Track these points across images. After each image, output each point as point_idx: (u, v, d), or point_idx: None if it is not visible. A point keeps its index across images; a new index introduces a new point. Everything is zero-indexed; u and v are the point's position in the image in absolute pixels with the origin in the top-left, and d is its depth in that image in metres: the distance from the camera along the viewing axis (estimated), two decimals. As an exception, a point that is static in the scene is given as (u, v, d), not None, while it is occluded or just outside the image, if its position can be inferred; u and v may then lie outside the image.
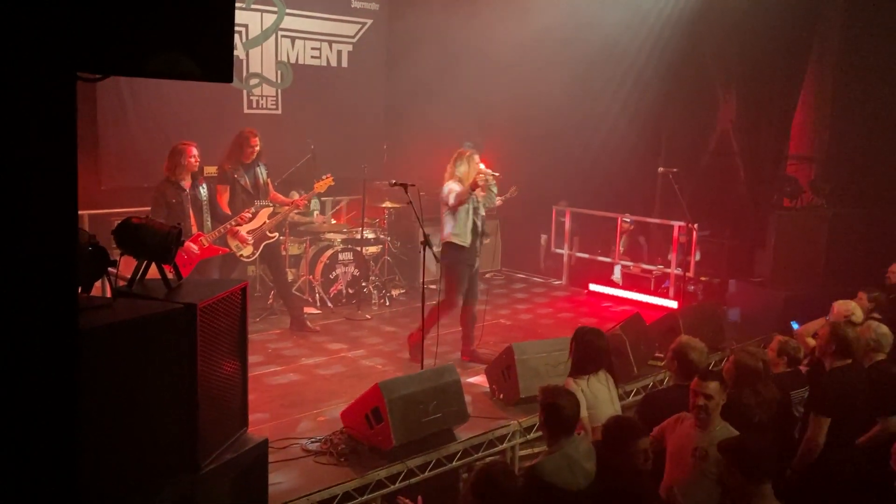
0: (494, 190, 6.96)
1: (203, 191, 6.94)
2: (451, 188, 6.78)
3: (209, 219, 6.99)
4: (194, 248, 6.78)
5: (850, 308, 5.91)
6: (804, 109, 9.89)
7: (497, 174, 6.85)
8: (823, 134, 10.01)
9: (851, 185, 9.44)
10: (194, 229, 6.85)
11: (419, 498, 3.89)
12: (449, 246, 6.88)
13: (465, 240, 6.84)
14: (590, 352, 4.89)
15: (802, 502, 4.68)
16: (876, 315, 6.20)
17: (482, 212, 6.97)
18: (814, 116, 10.03)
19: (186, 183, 6.80)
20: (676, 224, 9.23)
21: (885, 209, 9.36)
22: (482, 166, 6.81)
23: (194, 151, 6.76)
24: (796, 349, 5.36)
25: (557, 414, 4.03)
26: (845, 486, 4.60)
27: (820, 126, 10.01)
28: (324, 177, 7.98)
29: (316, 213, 9.25)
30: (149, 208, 6.68)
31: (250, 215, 7.26)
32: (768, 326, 7.91)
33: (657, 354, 6.77)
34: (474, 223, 6.89)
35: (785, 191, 9.31)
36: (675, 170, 8.45)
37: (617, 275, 10.19)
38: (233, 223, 7.11)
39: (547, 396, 4.14)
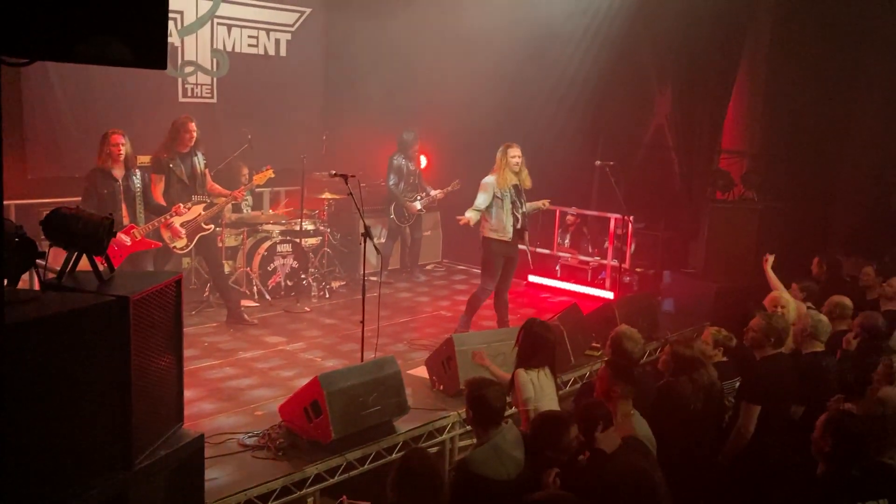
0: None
1: (136, 180, 6.76)
2: (483, 185, 7.08)
3: (142, 210, 6.82)
4: (126, 239, 6.62)
5: (783, 299, 6.10)
6: (736, 105, 10.16)
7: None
8: (755, 129, 10.30)
9: (781, 179, 9.74)
10: (126, 220, 6.68)
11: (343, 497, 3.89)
12: (486, 240, 7.13)
13: (505, 235, 7.08)
14: (538, 344, 4.92)
15: (733, 488, 4.83)
16: (809, 305, 6.41)
17: (524, 207, 7.17)
18: (746, 112, 10.31)
19: (118, 172, 6.62)
20: (613, 216, 9.37)
21: (812, 203, 9.70)
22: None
23: (120, 140, 6.56)
24: (727, 338, 5.50)
25: (484, 405, 4.06)
26: (774, 473, 4.75)
27: (752, 121, 10.30)
28: (263, 168, 7.86)
29: (248, 209, 9.08)
30: (79, 198, 6.49)
31: (185, 209, 7.09)
32: (701, 317, 8.11)
33: (594, 344, 6.88)
34: (514, 217, 7.09)
35: (718, 184, 9.55)
36: (611, 163, 8.57)
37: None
38: (167, 217, 6.95)
39: (473, 389, 4.15)
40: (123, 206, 6.65)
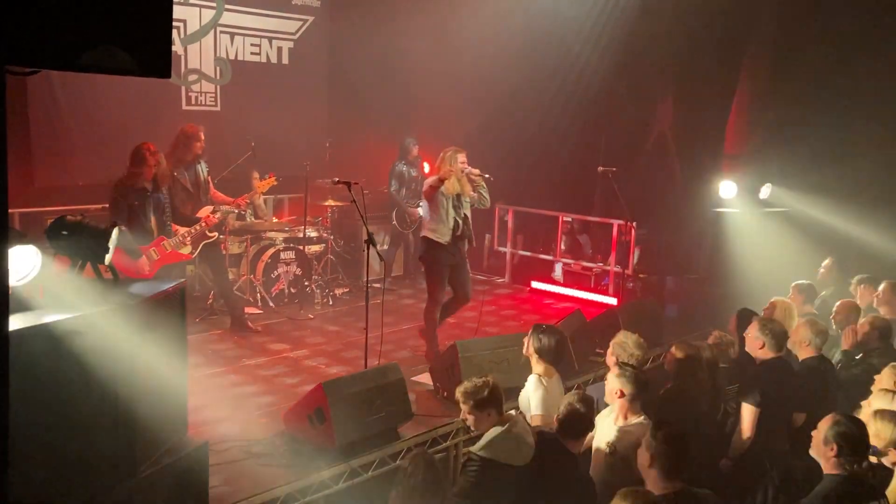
0: (485, 193, 6.82)
1: (164, 191, 6.69)
2: (427, 182, 6.73)
3: (170, 221, 6.74)
4: (154, 254, 6.51)
5: (785, 304, 6.10)
6: (739, 110, 10.15)
7: (486, 175, 6.72)
8: (757, 134, 10.29)
9: (784, 184, 9.72)
10: (155, 232, 6.59)
11: None
12: (424, 241, 6.82)
13: (443, 237, 6.71)
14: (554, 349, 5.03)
15: (735, 491, 4.82)
16: (809, 309, 6.40)
17: (466, 211, 6.79)
18: (748, 117, 10.30)
19: (148, 184, 6.53)
20: (616, 222, 9.38)
21: (815, 208, 9.67)
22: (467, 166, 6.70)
23: (161, 158, 6.50)
24: (729, 344, 5.49)
25: (481, 396, 4.18)
26: (774, 474, 4.74)
27: (754, 127, 10.29)
28: (266, 176, 7.87)
29: (251, 218, 9.10)
30: (82, 206, 6.49)
31: (216, 218, 7.02)
32: (705, 322, 8.09)
33: (597, 350, 6.86)
34: (455, 222, 6.71)
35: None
36: (614, 169, 8.58)
37: (558, 272, 10.32)
38: (199, 227, 6.87)
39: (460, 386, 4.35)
40: (152, 218, 6.54)
